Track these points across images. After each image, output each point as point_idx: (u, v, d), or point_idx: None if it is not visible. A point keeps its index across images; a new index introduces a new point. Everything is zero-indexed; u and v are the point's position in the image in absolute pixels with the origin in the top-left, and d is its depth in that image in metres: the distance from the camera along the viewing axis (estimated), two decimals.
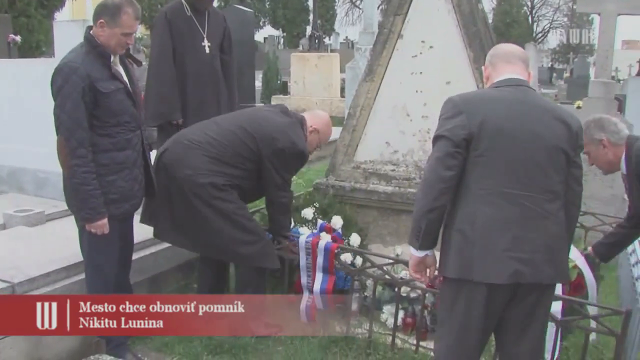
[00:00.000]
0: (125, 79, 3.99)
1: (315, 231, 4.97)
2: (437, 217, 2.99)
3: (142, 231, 4.80)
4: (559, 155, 3.02)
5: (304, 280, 4.71)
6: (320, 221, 5.11)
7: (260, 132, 4.50)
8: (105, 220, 3.85)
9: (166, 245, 4.94)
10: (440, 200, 2.95)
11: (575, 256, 4.23)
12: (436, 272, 3.17)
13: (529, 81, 3.22)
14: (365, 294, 4.83)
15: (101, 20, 3.80)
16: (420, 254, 3.08)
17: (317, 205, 5.24)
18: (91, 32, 3.87)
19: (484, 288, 2.89)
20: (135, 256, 4.77)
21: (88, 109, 3.75)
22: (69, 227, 5.15)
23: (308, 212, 5.15)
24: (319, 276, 4.63)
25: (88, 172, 3.74)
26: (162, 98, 5.81)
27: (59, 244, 4.69)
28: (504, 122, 2.97)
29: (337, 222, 5.08)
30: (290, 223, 4.89)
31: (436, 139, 3.07)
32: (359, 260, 4.76)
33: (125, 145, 3.93)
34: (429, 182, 3.00)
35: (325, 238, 4.79)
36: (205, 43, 5.91)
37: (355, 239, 5.03)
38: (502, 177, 2.93)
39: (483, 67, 3.39)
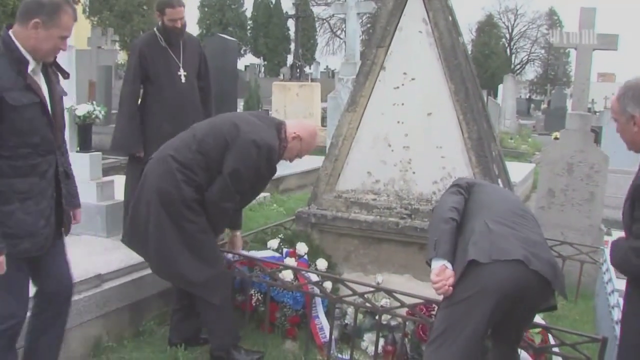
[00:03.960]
0: (45, 92, 3.40)
1: (278, 255, 5.11)
2: (449, 229, 3.36)
3: (124, 257, 4.83)
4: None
5: None
6: (285, 249, 5.19)
7: (232, 131, 4.39)
8: (2, 258, 3.20)
9: (148, 271, 4.95)
10: (448, 214, 3.43)
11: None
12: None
13: None
14: (346, 321, 4.85)
15: (36, 20, 3.23)
16: (439, 262, 3.28)
17: (283, 237, 5.38)
18: (10, 32, 3.29)
19: (497, 279, 3.14)
20: (116, 282, 4.81)
21: None
22: None
23: (274, 243, 5.26)
24: None
25: None
26: (122, 131, 5.90)
27: None
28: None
29: (301, 248, 5.17)
30: (224, 228, 4.79)
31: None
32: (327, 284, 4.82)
33: (29, 171, 3.29)
34: (437, 208, 3.70)
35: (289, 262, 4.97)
36: (181, 72, 5.93)
37: (322, 264, 5.09)
38: (498, 209, 3.49)
39: None
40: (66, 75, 3.65)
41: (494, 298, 3.12)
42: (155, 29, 6.02)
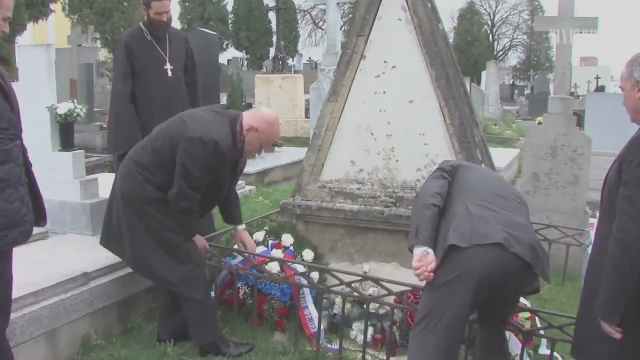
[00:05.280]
0: None
1: (266, 249, 5.08)
2: (430, 215, 3.38)
3: (110, 255, 4.80)
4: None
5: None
6: (271, 241, 5.19)
7: (179, 129, 4.33)
8: None
9: None
10: (430, 199, 3.44)
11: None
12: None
13: None
14: (334, 311, 4.86)
15: None
16: (420, 248, 3.31)
17: (268, 229, 5.35)
18: None
19: (477, 263, 3.16)
20: (103, 280, 4.80)
21: None
22: (37, 252, 5.15)
23: (259, 235, 5.25)
24: None
25: None
26: (121, 126, 5.83)
27: (27, 269, 4.66)
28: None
29: (287, 239, 5.16)
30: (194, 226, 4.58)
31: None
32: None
33: (5, 157, 3.08)
34: (420, 192, 3.68)
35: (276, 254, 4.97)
36: (168, 66, 5.89)
37: (308, 255, 5.08)
38: (481, 192, 3.50)
39: None
40: (5, 62, 3.41)
41: (474, 282, 3.13)
42: (140, 23, 5.98)
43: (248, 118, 4.47)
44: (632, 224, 2.79)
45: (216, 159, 4.27)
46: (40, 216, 3.44)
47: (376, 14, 5.23)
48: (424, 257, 3.27)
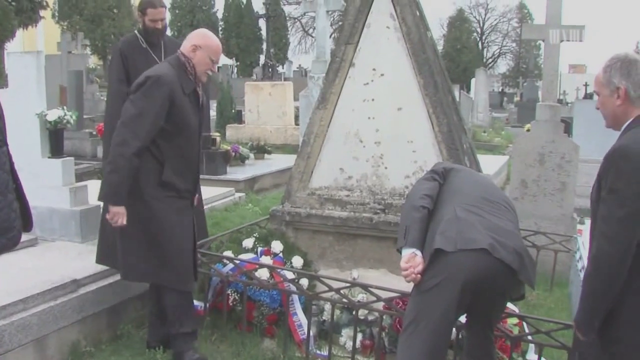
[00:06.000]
0: None
1: (254, 255, 5.09)
2: (420, 217, 3.39)
3: None
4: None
5: None
6: (260, 248, 5.20)
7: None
8: None
9: None
10: (419, 202, 3.45)
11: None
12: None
13: None
14: (324, 317, 4.87)
15: None
16: (409, 250, 3.32)
17: (257, 236, 5.37)
18: None
19: (461, 267, 3.16)
20: (92, 287, 4.81)
21: None
22: (26, 259, 5.14)
23: (248, 242, 5.27)
24: None
25: None
26: (104, 138, 5.78)
27: (16, 276, 4.66)
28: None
29: (276, 246, 5.19)
30: (119, 189, 4.20)
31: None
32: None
33: None
34: (410, 194, 3.67)
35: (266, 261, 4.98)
36: None
37: (297, 261, 5.10)
38: (470, 196, 3.50)
39: None
40: None
41: (458, 286, 3.15)
42: (135, 30, 5.99)
43: (185, 45, 4.51)
44: (609, 245, 2.75)
45: (160, 90, 4.25)
46: (26, 222, 3.34)
47: (365, 22, 5.26)
48: (412, 258, 3.29)
